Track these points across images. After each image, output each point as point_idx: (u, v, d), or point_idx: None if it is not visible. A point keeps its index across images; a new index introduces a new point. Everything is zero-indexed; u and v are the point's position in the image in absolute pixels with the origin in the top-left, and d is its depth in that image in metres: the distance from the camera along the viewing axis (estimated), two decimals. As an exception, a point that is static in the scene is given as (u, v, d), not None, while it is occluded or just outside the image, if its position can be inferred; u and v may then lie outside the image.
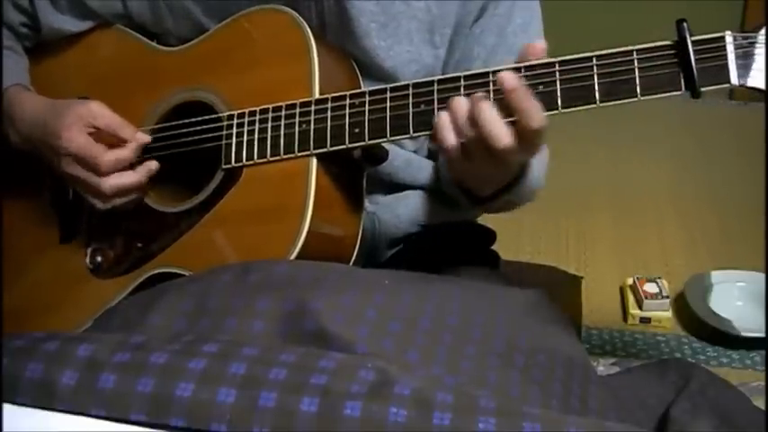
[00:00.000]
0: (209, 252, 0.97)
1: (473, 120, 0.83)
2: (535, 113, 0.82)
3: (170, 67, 1.05)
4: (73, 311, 1.04)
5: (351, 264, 0.98)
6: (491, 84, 0.85)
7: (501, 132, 0.82)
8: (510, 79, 0.82)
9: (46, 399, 0.66)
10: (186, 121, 1.02)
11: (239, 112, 0.97)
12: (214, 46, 1.02)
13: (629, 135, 2.75)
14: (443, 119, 0.85)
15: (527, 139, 0.83)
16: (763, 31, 0.79)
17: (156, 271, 1.00)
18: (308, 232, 0.90)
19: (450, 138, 0.85)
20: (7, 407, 0.66)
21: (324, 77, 0.94)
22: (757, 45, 0.79)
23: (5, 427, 0.64)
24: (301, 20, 0.95)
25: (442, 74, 1.03)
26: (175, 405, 0.64)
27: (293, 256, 0.90)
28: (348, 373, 0.66)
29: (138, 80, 1.07)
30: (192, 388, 0.65)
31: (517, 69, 0.85)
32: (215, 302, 0.81)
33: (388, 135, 0.90)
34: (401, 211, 1.08)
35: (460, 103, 0.84)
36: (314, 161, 0.92)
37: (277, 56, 0.97)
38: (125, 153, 1.00)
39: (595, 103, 0.83)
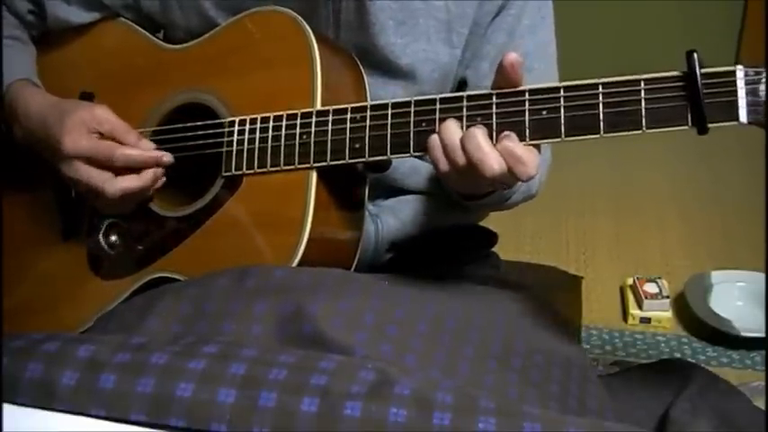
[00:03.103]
0: (207, 259, 0.96)
1: (463, 146, 0.81)
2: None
3: (174, 66, 1.05)
4: (74, 310, 1.04)
5: (352, 270, 0.97)
6: (494, 106, 0.83)
7: (491, 161, 0.80)
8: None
9: (46, 399, 0.66)
10: (188, 124, 1.01)
11: (240, 118, 0.96)
12: (218, 46, 1.01)
13: (629, 135, 2.75)
14: (435, 143, 0.83)
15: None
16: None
17: (156, 275, 0.99)
18: (307, 245, 0.89)
19: (442, 163, 0.83)
20: (7, 407, 0.66)
21: (326, 86, 0.92)
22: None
23: (5, 427, 0.64)
24: (305, 24, 0.94)
25: (456, 72, 1.03)
26: (175, 405, 0.64)
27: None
28: (348, 374, 0.66)
29: (142, 77, 1.07)
30: (192, 388, 0.65)
31: (521, 93, 0.83)
32: (212, 307, 0.81)
33: (389, 153, 0.88)
34: (404, 213, 1.08)
35: (451, 129, 0.83)
36: (314, 174, 0.91)
37: (280, 61, 0.96)
38: (137, 152, 0.99)
39: (599, 133, 0.80)
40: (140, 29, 1.08)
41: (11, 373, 0.67)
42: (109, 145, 0.98)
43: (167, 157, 1.00)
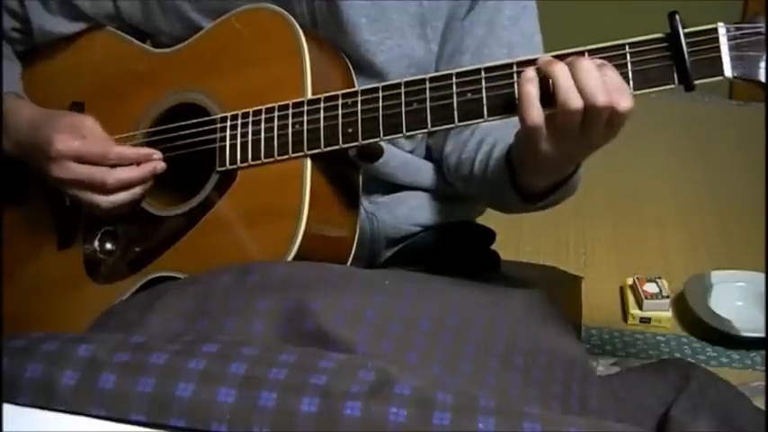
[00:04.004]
0: (206, 256, 0.96)
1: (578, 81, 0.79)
2: (625, 92, 0.79)
3: (162, 70, 1.05)
4: (71, 317, 1.03)
5: (348, 263, 0.98)
6: (483, 81, 0.85)
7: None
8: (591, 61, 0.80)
9: (46, 399, 0.66)
10: (179, 124, 1.01)
11: (232, 113, 0.97)
12: (205, 47, 1.02)
13: (629, 135, 2.74)
14: (530, 92, 0.80)
15: (616, 124, 0.81)
16: (758, 24, 0.79)
17: (155, 275, 0.99)
18: (305, 234, 0.90)
19: (534, 114, 0.80)
20: (7, 407, 0.66)
21: (316, 77, 0.93)
22: (752, 36, 0.78)
23: (5, 427, 0.64)
24: (292, 19, 0.95)
25: (435, 67, 1.03)
26: (175, 405, 0.64)
27: (290, 258, 0.90)
28: (348, 374, 0.66)
29: (131, 83, 1.07)
30: (192, 388, 0.65)
31: (508, 65, 0.84)
32: (214, 303, 0.81)
33: (382, 134, 0.89)
34: (400, 211, 1.08)
35: (563, 71, 0.79)
36: (308, 162, 0.92)
37: (268, 56, 0.96)
38: (131, 150, 1.00)
39: None
40: (126, 35, 1.09)
41: (11, 373, 0.67)
42: (103, 143, 0.98)
43: (158, 155, 1.01)
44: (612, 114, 0.79)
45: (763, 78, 0.79)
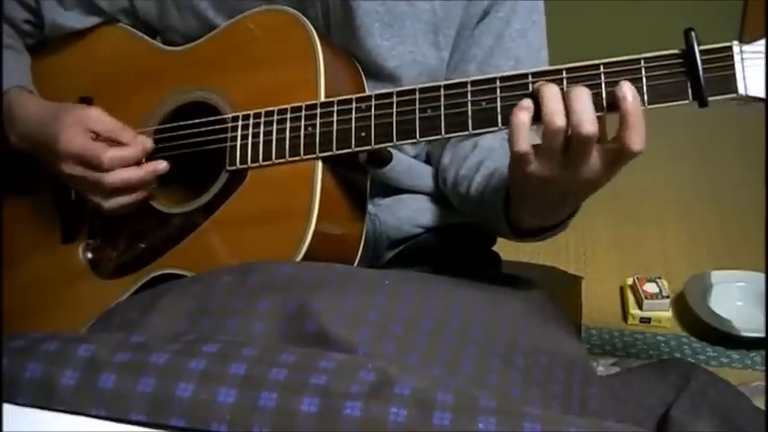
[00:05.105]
0: (212, 254, 0.96)
1: (567, 106, 0.78)
2: (640, 135, 0.79)
3: (174, 67, 1.05)
4: (74, 312, 1.03)
5: (355, 264, 0.97)
6: (498, 90, 0.85)
7: (589, 118, 0.78)
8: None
9: (46, 399, 0.66)
10: (190, 122, 1.01)
11: (244, 113, 0.97)
12: (218, 46, 1.02)
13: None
14: (524, 121, 0.80)
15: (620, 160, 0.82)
16: (762, 41, 0.79)
17: (159, 272, 0.99)
18: (314, 235, 0.90)
19: (522, 144, 0.79)
20: (7, 407, 0.66)
21: (329, 79, 0.93)
22: (762, 55, 0.79)
23: (5, 427, 0.64)
24: (306, 21, 0.95)
25: (445, 75, 1.03)
26: (175, 405, 0.64)
27: (299, 258, 0.90)
28: (348, 374, 0.66)
29: (142, 80, 1.07)
30: (192, 388, 0.65)
31: (524, 76, 0.84)
32: (216, 303, 0.81)
33: (395, 140, 0.89)
34: (402, 213, 1.08)
35: (554, 91, 0.80)
36: (319, 164, 0.92)
37: (282, 57, 0.97)
38: (128, 151, 1.00)
39: (603, 111, 0.81)
40: (138, 32, 1.08)
41: (11, 373, 0.67)
42: (99, 146, 0.98)
43: (161, 166, 1.00)
44: (625, 150, 0.80)
45: (763, 95, 0.79)
